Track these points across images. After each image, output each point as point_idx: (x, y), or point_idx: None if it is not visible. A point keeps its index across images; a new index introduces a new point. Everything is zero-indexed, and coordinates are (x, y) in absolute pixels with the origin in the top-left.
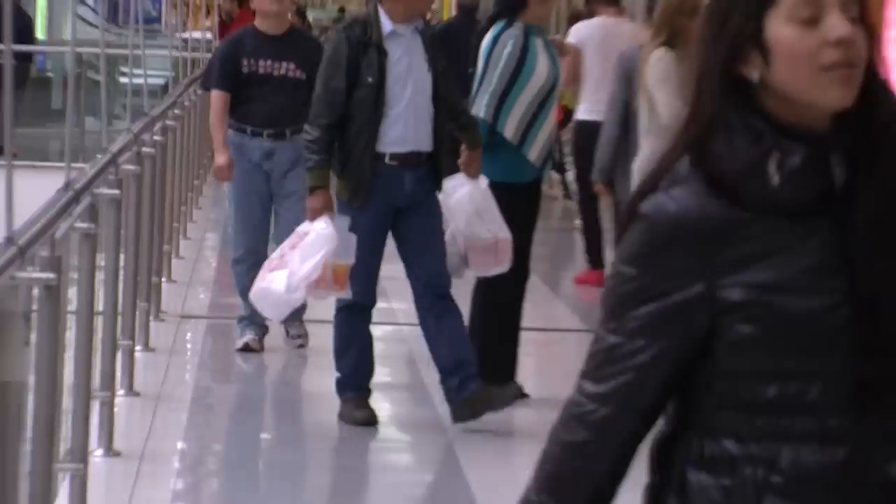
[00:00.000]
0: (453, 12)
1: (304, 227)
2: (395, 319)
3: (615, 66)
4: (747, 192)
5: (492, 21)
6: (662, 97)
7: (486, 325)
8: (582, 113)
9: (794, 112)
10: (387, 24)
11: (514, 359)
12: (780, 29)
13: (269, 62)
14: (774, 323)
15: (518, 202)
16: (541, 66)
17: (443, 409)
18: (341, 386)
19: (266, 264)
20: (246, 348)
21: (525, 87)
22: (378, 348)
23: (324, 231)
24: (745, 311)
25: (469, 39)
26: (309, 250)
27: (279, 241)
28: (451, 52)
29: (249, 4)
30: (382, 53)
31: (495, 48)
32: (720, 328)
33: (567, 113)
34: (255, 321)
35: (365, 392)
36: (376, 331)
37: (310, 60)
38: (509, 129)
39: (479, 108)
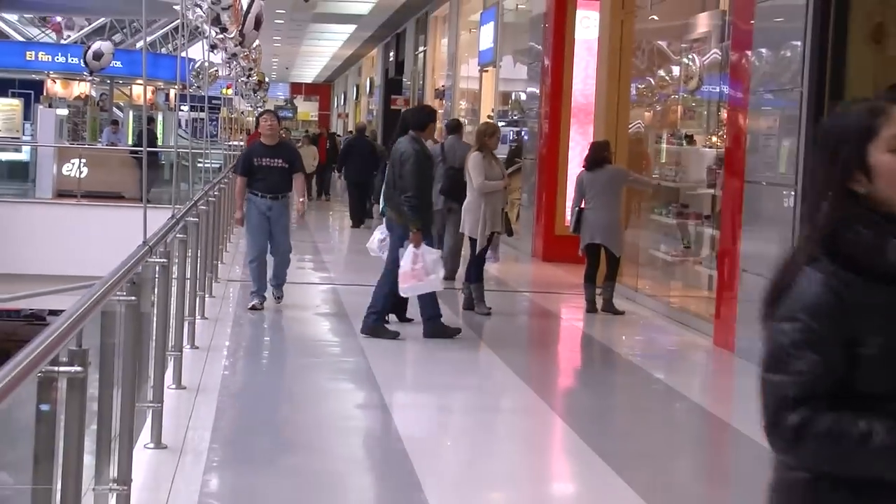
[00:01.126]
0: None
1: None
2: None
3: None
4: (872, 265)
5: (401, 134)
6: (474, 176)
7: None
8: None
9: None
10: None
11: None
12: (879, 157)
13: (267, 159)
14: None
15: None
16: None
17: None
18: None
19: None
20: (254, 308)
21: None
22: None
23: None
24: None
25: (364, 149)
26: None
27: (275, 254)
28: (356, 158)
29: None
30: None
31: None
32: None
33: None
34: (259, 293)
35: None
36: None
37: (290, 156)
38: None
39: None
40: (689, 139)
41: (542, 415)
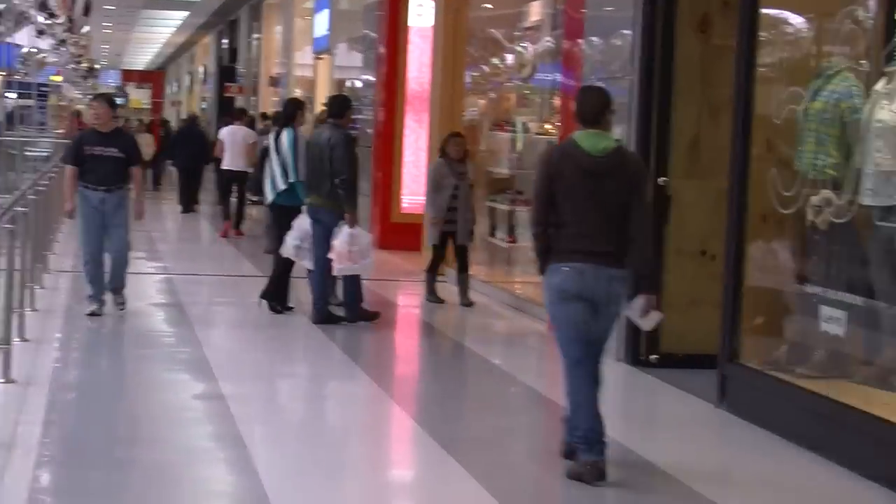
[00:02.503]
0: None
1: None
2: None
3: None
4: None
5: (282, 126)
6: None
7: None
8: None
9: None
10: None
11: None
12: None
13: (100, 148)
14: None
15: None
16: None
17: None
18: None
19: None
20: (93, 314)
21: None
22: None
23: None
24: None
25: (194, 137)
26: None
27: (111, 252)
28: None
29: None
30: None
31: (297, 143)
32: None
33: None
34: (97, 297)
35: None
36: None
37: (127, 146)
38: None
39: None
40: (524, 126)
41: (379, 402)
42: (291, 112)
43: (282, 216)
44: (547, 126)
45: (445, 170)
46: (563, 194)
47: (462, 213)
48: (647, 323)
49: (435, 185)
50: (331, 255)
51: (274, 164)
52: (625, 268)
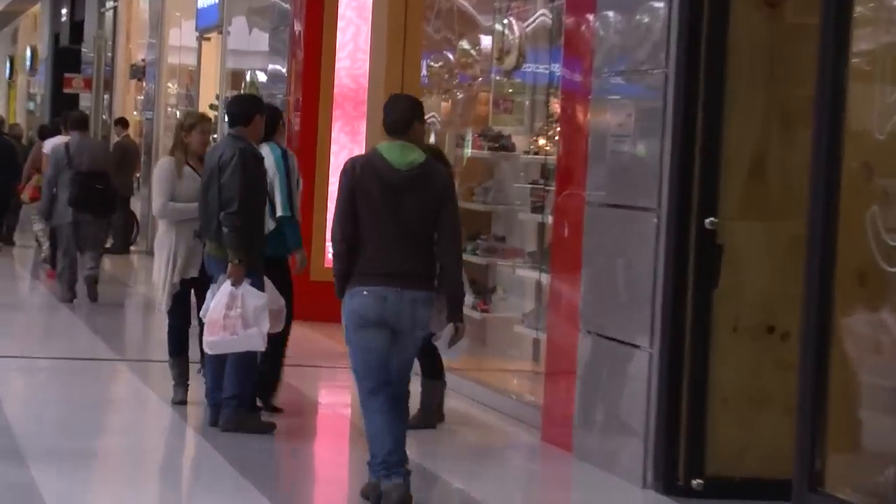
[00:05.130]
0: None
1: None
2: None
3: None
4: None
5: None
6: (155, 195)
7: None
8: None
9: None
10: None
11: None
12: None
13: None
14: None
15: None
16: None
17: None
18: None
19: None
20: None
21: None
22: None
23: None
24: None
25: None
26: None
27: None
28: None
29: None
30: None
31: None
32: None
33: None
34: None
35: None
36: None
37: None
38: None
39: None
40: (505, 142)
41: None
42: (271, 121)
43: (269, 272)
44: (540, 141)
45: None
46: (366, 210)
47: None
48: (453, 350)
49: None
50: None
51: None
52: (430, 290)
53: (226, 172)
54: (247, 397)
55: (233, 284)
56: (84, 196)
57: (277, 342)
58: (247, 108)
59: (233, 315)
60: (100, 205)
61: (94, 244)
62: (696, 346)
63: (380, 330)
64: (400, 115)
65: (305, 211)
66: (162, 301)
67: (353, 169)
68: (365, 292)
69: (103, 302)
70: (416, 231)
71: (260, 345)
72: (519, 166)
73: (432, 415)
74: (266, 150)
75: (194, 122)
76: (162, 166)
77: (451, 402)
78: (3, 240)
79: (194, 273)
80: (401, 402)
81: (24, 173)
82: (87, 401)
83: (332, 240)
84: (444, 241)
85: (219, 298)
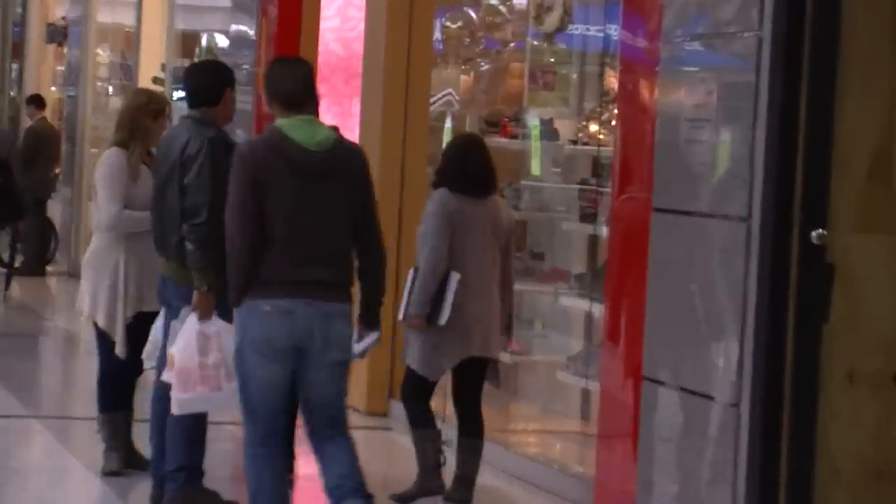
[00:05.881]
0: None
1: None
2: None
3: None
4: None
5: None
6: (102, 198)
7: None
8: None
9: None
10: None
11: None
12: None
13: None
14: None
15: None
16: None
17: None
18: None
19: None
20: None
21: None
22: None
23: None
24: None
25: None
26: None
27: None
28: None
29: None
30: None
31: None
32: None
33: None
34: None
35: None
36: None
37: None
38: None
39: None
40: (546, 127)
41: None
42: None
43: None
44: (591, 127)
45: (462, 211)
46: (272, 204)
47: (479, 304)
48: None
49: (437, 248)
50: (166, 376)
51: None
52: (347, 302)
53: (191, 170)
54: (197, 469)
55: (199, 319)
56: None
57: None
58: (214, 81)
59: (210, 363)
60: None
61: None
62: (798, 399)
63: (286, 357)
64: (300, 81)
65: None
66: (117, 343)
67: (253, 154)
68: (267, 308)
69: (9, 339)
70: (334, 227)
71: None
72: (563, 160)
73: (430, 476)
74: None
75: (161, 108)
76: (111, 162)
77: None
78: None
79: (153, 305)
80: (349, 445)
81: None
82: None
83: (230, 247)
84: (367, 235)
85: (186, 340)
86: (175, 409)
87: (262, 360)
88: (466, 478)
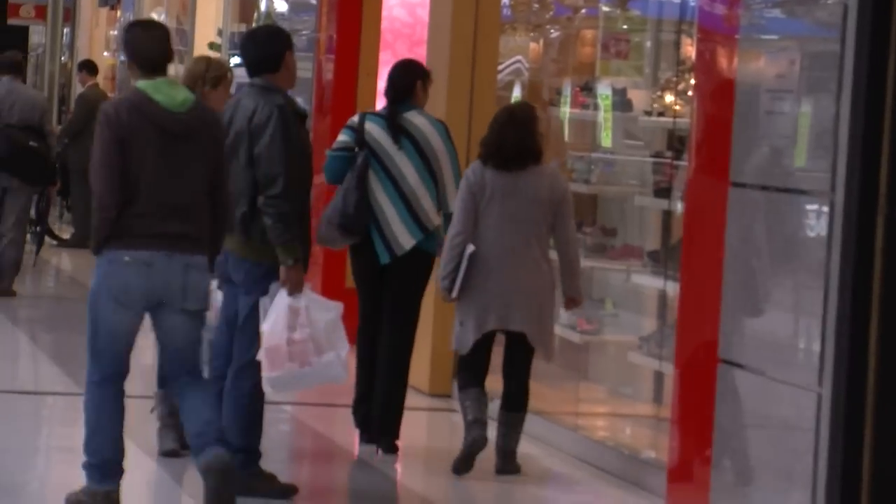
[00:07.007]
0: None
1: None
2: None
3: None
4: None
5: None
6: None
7: None
8: None
9: None
10: None
11: None
12: None
13: None
14: None
15: None
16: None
17: None
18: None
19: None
20: None
21: None
22: None
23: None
24: None
25: None
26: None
27: None
28: None
29: None
30: None
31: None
32: None
33: None
34: None
35: None
36: None
37: None
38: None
39: None
40: (619, 98)
41: None
42: (408, 82)
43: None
44: (667, 98)
45: (485, 184)
46: (136, 161)
47: (500, 277)
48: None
49: (456, 221)
50: (260, 356)
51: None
52: (205, 254)
53: (261, 139)
54: (254, 451)
55: (289, 294)
56: (13, 154)
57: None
58: (272, 48)
59: (299, 338)
60: (31, 168)
61: (17, 219)
62: (883, 385)
63: (139, 307)
64: (158, 42)
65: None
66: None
67: (118, 115)
68: (126, 258)
69: (59, 316)
70: (193, 183)
71: (341, 374)
72: (637, 132)
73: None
74: (422, 121)
75: (220, 75)
76: None
77: (539, 456)
78: None
79: None
80: (209, 394)
81: None
82: (34, 450)
83: (98, 203)
84: (218, 190)
85: (274, 317)
86: (267, 389)
87: (117, 306)
88: (508, 450)
